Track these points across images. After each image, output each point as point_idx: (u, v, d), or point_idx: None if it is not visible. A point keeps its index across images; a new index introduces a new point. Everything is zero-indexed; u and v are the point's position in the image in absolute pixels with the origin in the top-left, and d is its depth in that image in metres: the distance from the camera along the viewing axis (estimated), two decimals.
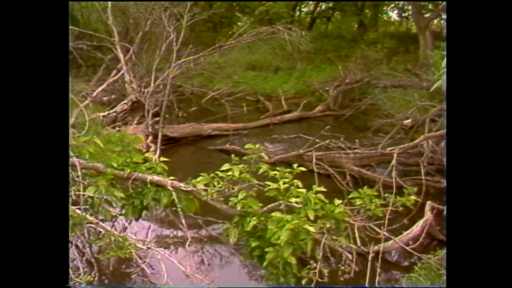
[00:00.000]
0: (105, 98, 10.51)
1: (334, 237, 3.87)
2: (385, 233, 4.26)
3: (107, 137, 6.45)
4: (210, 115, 11.08)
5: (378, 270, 4.04)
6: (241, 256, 4.89)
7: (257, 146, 4.22)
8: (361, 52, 15.03)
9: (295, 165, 4.11)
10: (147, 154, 4.88)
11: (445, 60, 2.37)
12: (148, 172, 4.14)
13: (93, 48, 11.96)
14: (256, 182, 4.04)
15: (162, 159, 4.36)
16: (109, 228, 4.04)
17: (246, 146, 4.30)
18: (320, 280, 3.63)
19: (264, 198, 4.03)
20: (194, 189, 4.00)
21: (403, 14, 21.40)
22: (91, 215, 3.99)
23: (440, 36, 12.78)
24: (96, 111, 8.87)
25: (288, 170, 4.07)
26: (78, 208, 3.86)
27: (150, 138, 8.97)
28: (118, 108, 9.84)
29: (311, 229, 3.58)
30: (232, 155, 4.17)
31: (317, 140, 7.72)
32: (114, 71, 11.25)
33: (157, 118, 9.28)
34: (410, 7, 18.32)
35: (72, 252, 4.13)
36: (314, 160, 7.09)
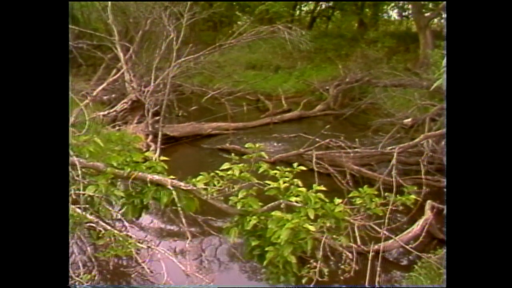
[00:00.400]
0: (105, 97, 10.53)
1: (334, 236, 3.87)
2: (385, 232, 4.26)
3: (107, 136, 6.46)
4: (210, 114, 11.09)
5: (378, 269, 4.04)
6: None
7: (257, 145, 4.22)
8: (361, 51, 15.02)
9: (295, 164, 4.11)
10: (147, 153, 4.89)
11: (445, 59, 2.36)
12: (148, 171, 4.14)
13: (93, 47, 11.97)
14: (256, 181, 4.04)
15: (162, 158, 4.36)
16: (109, 227, 4.05)
17: (246, 145, 4.30)
18: (320, 279, 3.63)
19: (264, 197, 4.03)
20: (194, 188, 4.00)
21: (403, 13, 21.40)
22: (91, 214, 4.00)
23: (440, 35, 12.77)
24: (96, 110, 8.89)
25: (288, 169, 4.07)
26: (78, 207, 3.86)
27: (150, 137, 8.98)
28: (118, 107, 9.84)
29: (311, 228, 3.58)
30: (232, 154, 4.17)
31: (317, 139, 7.73)
32: (114, 70, 11.27)
33: (157, 117, 9.29)
34: (410, 6, 18.32)
35: (73, 251, 4.13)
36: (314, 159, 7.09)
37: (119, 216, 4.17)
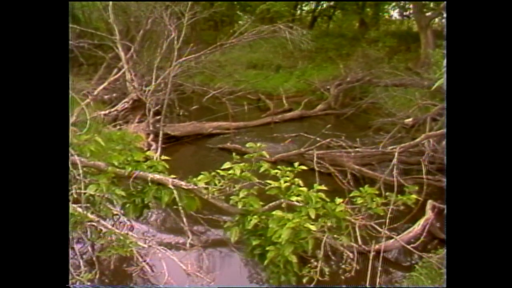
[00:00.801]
0: (106, 97, 10.52)
1: (335, 235, 3.87)
2: (386, 231, 4.26)
3: (108, 135, 6.47)
4: (211, 113, 11.08)
5: (379, 269, 4.04)
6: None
7: (258, 144, 4.22)
8: (362, 50, 15.00)
9: (296, 164, 4.12)
10: (148, 153, 4.89)
11: (445, 59, 2.36)
12: (149, 171, 4.15)
13: (94, 47, 11.95)
14: (257, 180, 4.05)
15: (163, 157, 4.37)
16: (110, 226, 4.05)
17: (247, 145, 4.30)
18: (321, 278, 3.64)
19: (265, 196, 4.03)
20: (195, 187, 4.01)
21: (404, 13, 21.37)
22: (92, 213, 4.00)
23: (441, 34, 12.73)
24: (97, 110, 8.87)
25: (289, 168, 4.07)
26: (79, 207, 3.86)
27: (151, 136, 8.98)
28: (119, 106, 9.84)
29: (312, 227, 3.58)
30: (233, 154, 4.18)
31: (318, 139, 7.72)
32: (115, 70, 11.25)
33: (158, 117, 9.29)
34: (411, 6, 18.29)
35: (73, 251, 4.14)
36: (315, 159, 7.08)
37: (120, 215, 4.17)
